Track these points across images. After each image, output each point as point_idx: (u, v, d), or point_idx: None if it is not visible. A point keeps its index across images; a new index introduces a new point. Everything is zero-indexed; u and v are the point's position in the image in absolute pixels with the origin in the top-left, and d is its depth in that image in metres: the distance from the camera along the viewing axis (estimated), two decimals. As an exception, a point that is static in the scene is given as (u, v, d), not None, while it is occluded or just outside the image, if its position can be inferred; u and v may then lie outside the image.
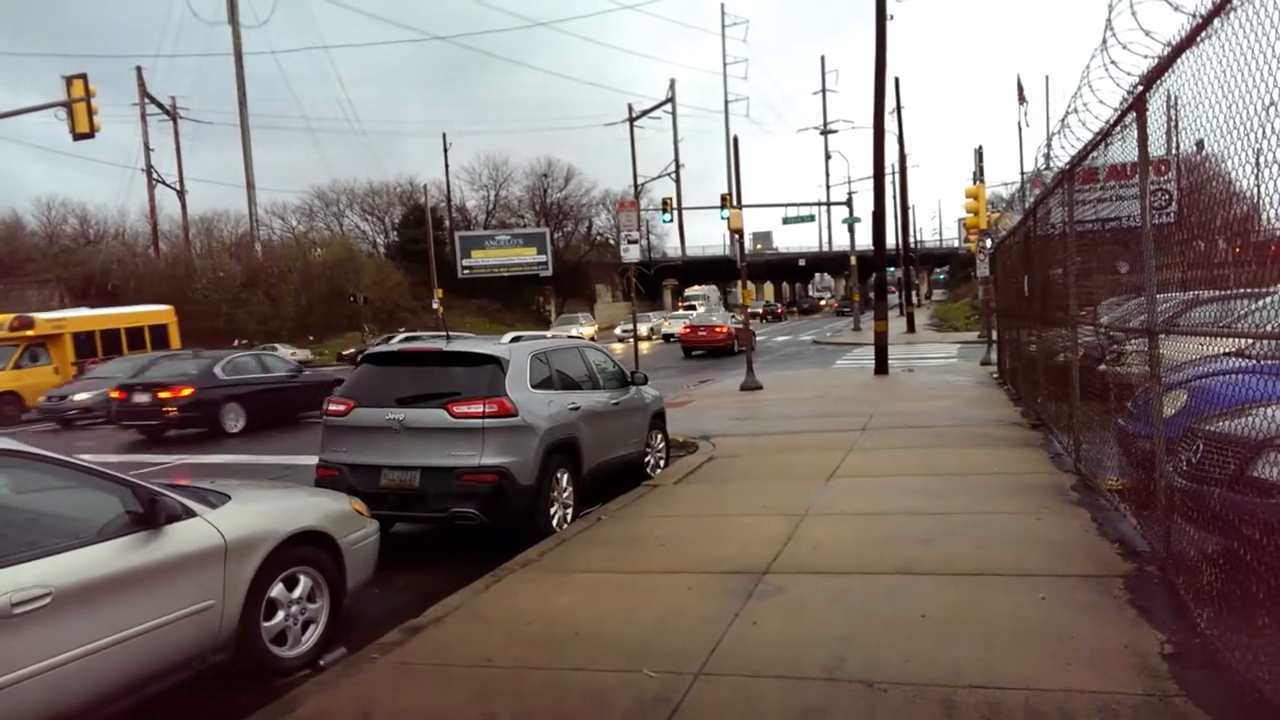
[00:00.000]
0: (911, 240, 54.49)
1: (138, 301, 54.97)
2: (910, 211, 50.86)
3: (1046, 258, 9.57)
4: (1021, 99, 49.85)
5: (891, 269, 43.93)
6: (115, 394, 16.41)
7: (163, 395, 15.68)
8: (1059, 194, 7.93)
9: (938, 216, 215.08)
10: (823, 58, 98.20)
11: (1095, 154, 6.27)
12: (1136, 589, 4.73)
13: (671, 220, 53.38)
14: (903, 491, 7.67)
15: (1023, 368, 12.87)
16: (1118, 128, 5.46)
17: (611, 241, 70.80)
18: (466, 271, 63.60)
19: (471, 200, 73.89)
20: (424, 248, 55.84)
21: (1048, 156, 8.43)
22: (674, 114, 78.07)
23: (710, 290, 73.68)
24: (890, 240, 31.70)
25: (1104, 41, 5.00)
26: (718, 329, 31.89)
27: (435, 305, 49.98)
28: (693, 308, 62.56)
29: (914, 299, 46.52)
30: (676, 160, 76.79)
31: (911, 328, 39.52)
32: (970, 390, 15.70)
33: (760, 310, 67.00)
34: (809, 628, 4.54)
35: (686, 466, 9.64)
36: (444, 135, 64.05)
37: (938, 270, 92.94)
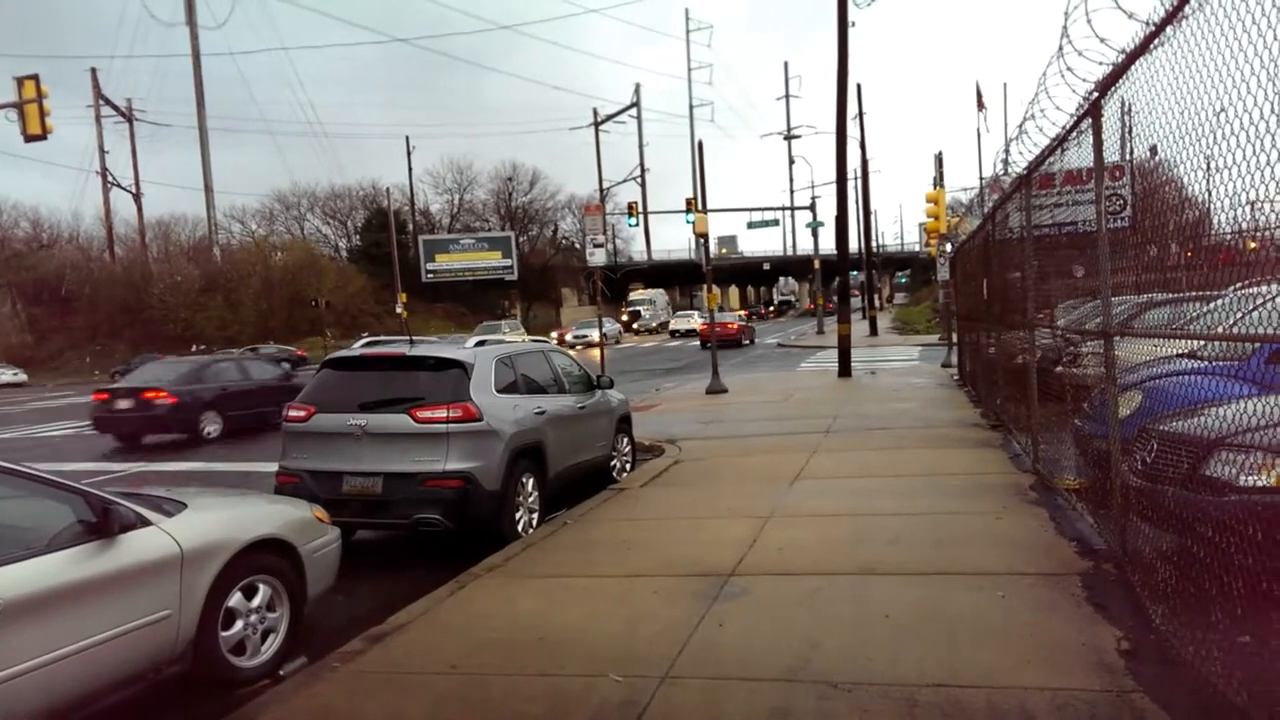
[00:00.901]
0: (874, 244, 55.25)
1: (93, 307, 53.92)
2: (873, 216, 51.60)
3: (1005, 262, 9.73)
4: (980, 105, 50.69)
5: (854, 272, 44.38)
6: (97, 397, 16.00)
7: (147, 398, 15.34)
8: (1016, 199, 8.07)
9: (899, 221, 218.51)
10: (786, 64, 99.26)
11: (1052, 159, 6.39)
12: (1094, 586, 4.81)
13: (637, 224, 53.60)
14: (866, 493, 7.73)
15: (982, 370, 13.07)
16: (1074, 134, 5.57)
17: (577, 245, 70.68)
18: (430, 275, 63.14)
19: (435, 204, 73.52)
20: (387, 251, 55.36)
21: (1006, 162, 8.58)
22: (639, 118, 78.36)
23: (658, 294, 71.12)
24: (853, 244, 32.02)
25: (1060, 49, 5.10)
26: (730, 325, 39.72)
27: (399, 309, 49.53)
28: (637, 314, 61.56)
29: (876, 302, 47.07)
30: (641, 165, 77.05)
31: (874, 331, 39.98)
32: (931, 392, 15.91)
33: (745, 313, 66.96)
34: (774, 629, 4.55)
35: (652, 470, 9.64)
36: (407, 138, 63.74)
37: (899, 274, 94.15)
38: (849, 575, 5.38)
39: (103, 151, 58.84)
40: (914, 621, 4.54)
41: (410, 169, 64.64)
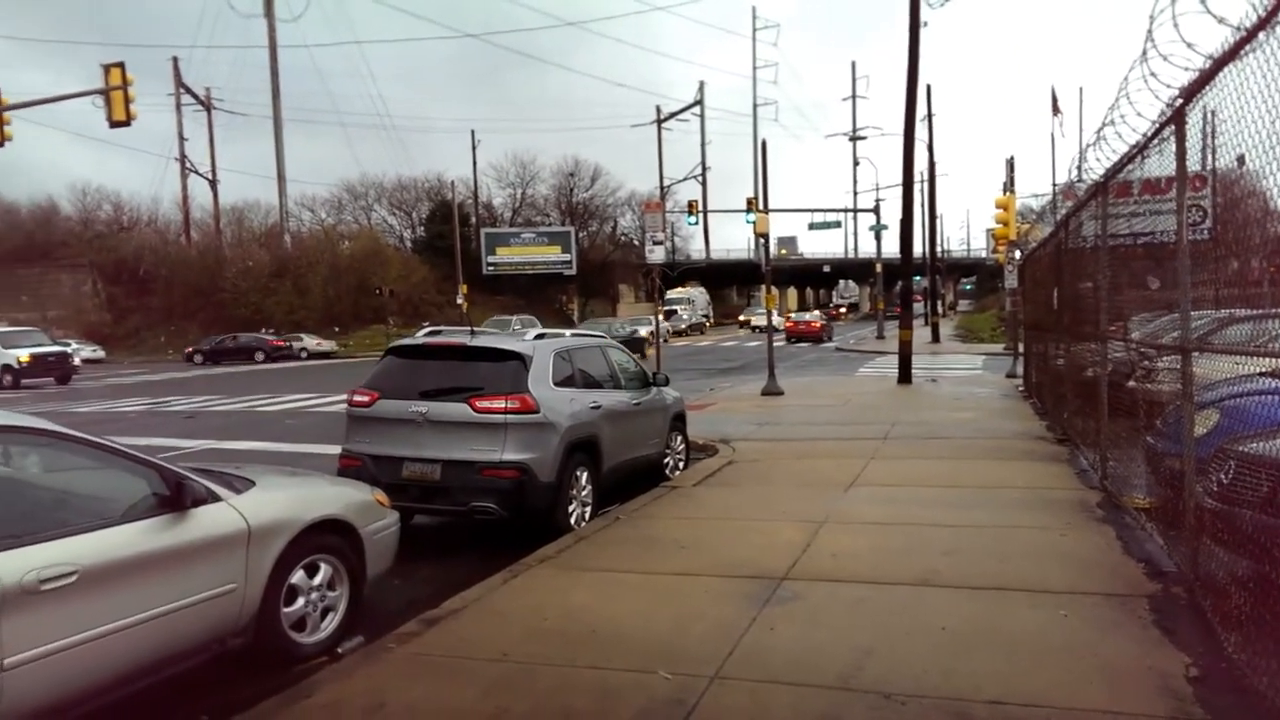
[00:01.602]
0: (939, 249, 54.13)
1: (169, 288, 55.88)
2: (938, 220, 50.48)
3: (1077, 271, 9.47)
4: (1055, 110, 49.27)
5: (917, 277, 43.61)
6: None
7: None
8: (1092, 207, 7.84)
9: (966, 226, 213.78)
10: (853, 63, 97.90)
11: (1131, 167, 6.19)
12: (1162, 610, 4.66)
13: (697, 223, 53.42)
14: (924, 502, 7.60)
15: (1049, 381, 12.73)
16: (1155, 141, 5.39)
17: (636, 242, 70.83)
18: (491, 268, 63.90)
19: (498, 198, 74.30)
20: (450, 243, 56.19)
21: (1080, 169, 8.33)
22: (702, 116, 78.15)
23: (697, 293, 67.94)
24: (917, 249, 31.48)
25: (1144, 53, 4.93)
26: (813, 324, 46.52)
27: (459, 301, 50.26)
28: (674, 313, 57.33)
29: (939, 309, 46.16)
30: (703, 163, 76.88)
31: (936, 338, 39.23)
32: (995, 402, 15.56)
33: (826, 313, 66.35)
34: (826, 636, 4.51)
35: (706, 469, 9.61)
36: (472, 132, 64.48)
37: (964, 280, 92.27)
38: (904, 585, 5.29)
39: (182, 139, 60.93)
40: (971, 635, 4.45)
41: (475, 162, 65.50)
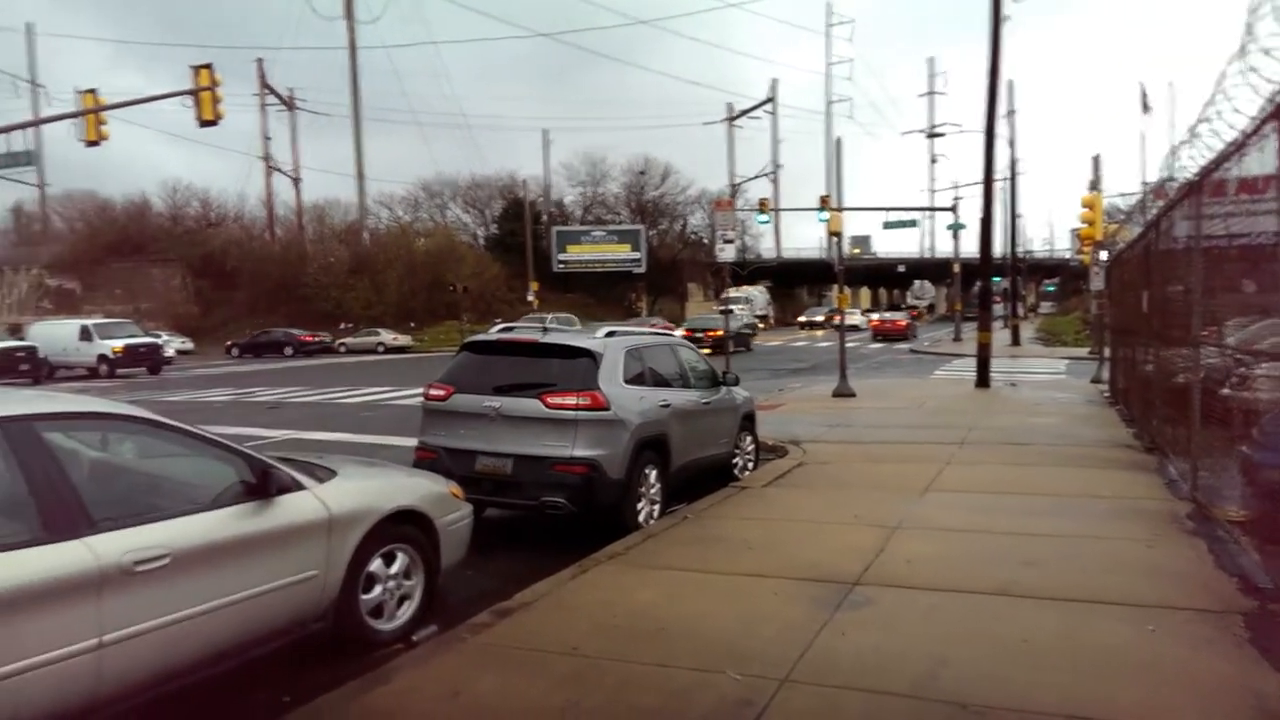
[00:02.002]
0: (1020, 249, 52.56)
1: (253, 282, 57.95)
2: (1019, 219, 49.06)
3: (1168, 273, 9.09)
4: (1145, 107, 47.36)
5: (997, 278, 42.46)
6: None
7: None
8: (1185, 207, 7.51)
9: (1049, 226, 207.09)
10: (931, 59, 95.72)
11: (1228, 165, 5.90)
12: (1258, 627, 4.44)
13: (768, 221, 52.93)
14: (1003, 510, 7.39)
15: (1137, 387, 12.24)
16: (1254, 138, 5.13)
17: (705, 240, 70.60)
18: (561, 266, 64.53)
19: (569, 196, 74.97)
20: (521, 241, 56.94)
21: (1173, 167, 7.99)
22: (774, 114, 77.46)
23: (756, 292, 65.30)
24: (997, 248, 30.63)
25: (1242, 48, 4.71)
26: (898, 322, 48.05)
27: (530, 298, 50.91)
28: (729, 311, 55.44)
29: (1020, 311, 44.83)
30: (775, 161, 76.18)
31: (1016, 340, 38.11)
32: (1078, 408, 15.03)
33: (913, 313, 66.05)
34: (900, 643, 4.42)
35: (775, 470, 9.53)
36: (544, 131, 65.43)
37: (1046, 282, 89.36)
38: (982, 594, 5.15)
39: (266, 138, 63.15)
40: (1052, 648, 4.31)
41: (546, 161, 66.37)
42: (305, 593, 4.35)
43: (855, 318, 61.67)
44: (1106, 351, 18.43)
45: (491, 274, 59.60)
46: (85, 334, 31.99)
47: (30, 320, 44.69)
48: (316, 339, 47.25)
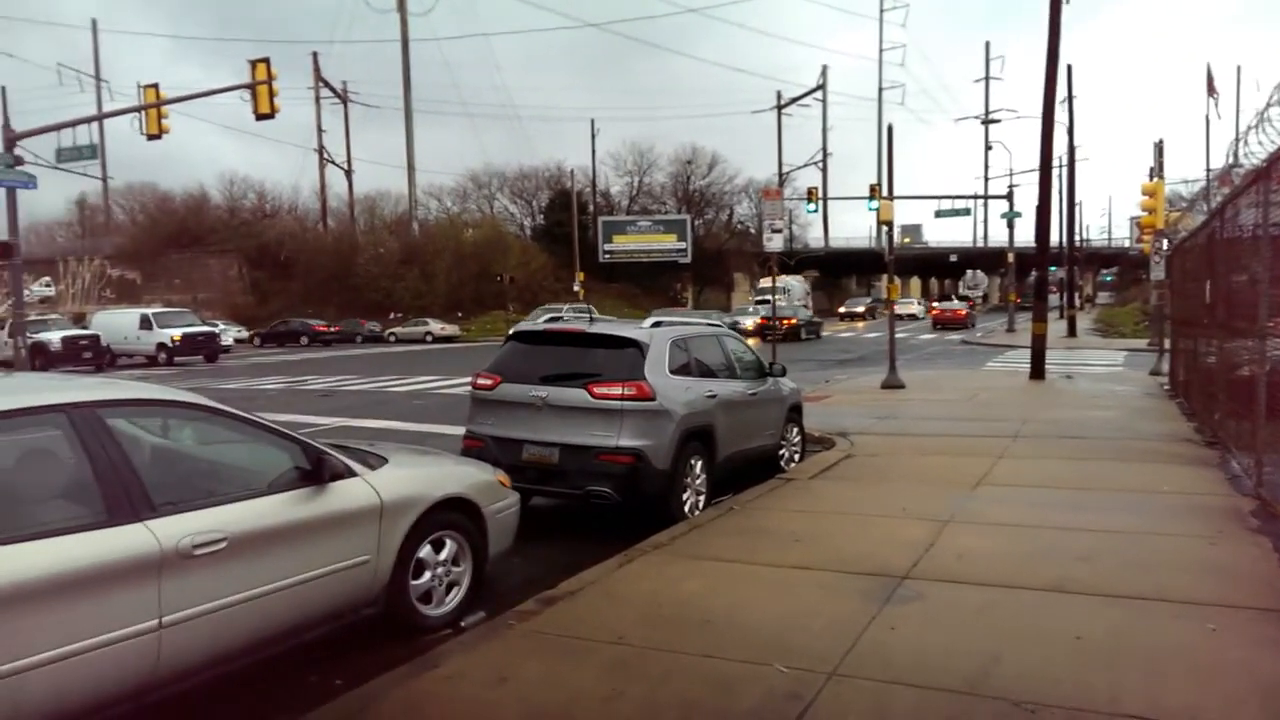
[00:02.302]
0: (1077, 238, 51.25)
1: (307, 273, 59.07)
2: (1077, 207, 47.76)
3: (1233, 262, 8.78)
4: (1211, 90, 45.73)
5: (1053, 268, 41.47)
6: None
7: None
8: (1252, 193, 7.24)
9: (1107, 214, 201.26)
10: (987, 44, 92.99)
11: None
12: (1328, 631, 4.28)
13: (816, 210, 52.36)
14: (1058, 505, 7.22)
15: (1199, 380, 11.87)
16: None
17: (752, 230, 70.05)
18: (607, 256, 64.62)
19: (616, 186, 74.95)
20: (568, 231, 57.14)
21: (1239, 153, 7.71)
22: (824, 101, 76.45)
23: (794, 282, 61.15)
24: (1053, 237, 29.89)
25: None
26: (958, 311, 49.04)
27: (576, 288, 51.07)
28: (765, 302, 49.63)
29: (1076, 301, 43.74)
30: (824, 149, 75.24)
31: (1073, 331, 37.20)
32: (1137, 401, 14.63)
33: (970, 302, 65.17)
34: (951, 638, 4.35)
35: (822, 462, 9.44)
36: (592, 121, 65.57)
37: (1104, 272, 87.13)
38: (1036, 590, 5.05)
39: (320, 130, 64.22)
40: (1108, 646, 4.20)
41: (594, 151, 66.36)
42: (357, 577, 4.43)
43: (913, 307, 64.54)
44: (1166, 343, 17.89)
45: (538, 264, 59.95)
46: (145, 323, 32.95)
47: (93, 309, 46.22)
48: (333, 329, 49.19)
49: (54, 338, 29.96)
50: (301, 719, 3.66)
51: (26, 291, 29.69)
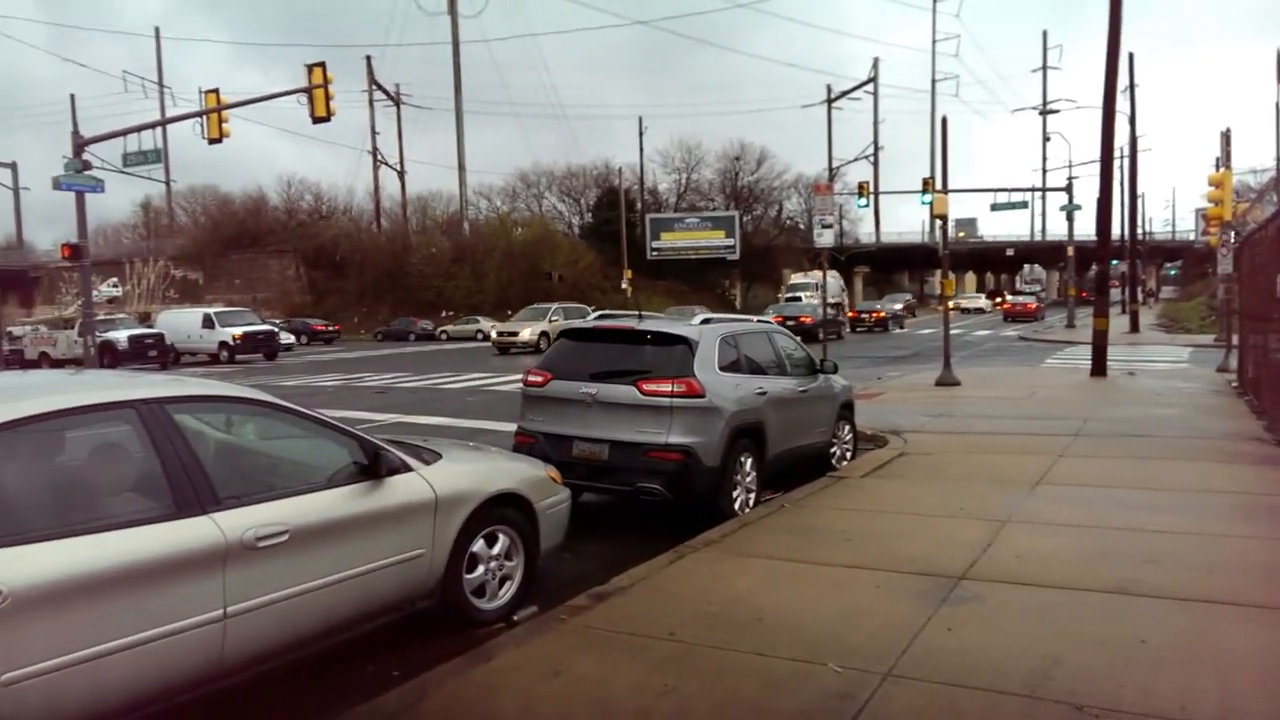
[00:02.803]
0: (1140, 231, 49.79)
1: (361, 272, 60.15)
2: (1139, 199, 46.36)
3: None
4: (1282, 75, 43.86)
5: (1114, 262, 40.33)
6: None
7: None
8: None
9: (1170, 206, 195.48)
10: (1045, 32, 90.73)
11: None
12: None
13: (867, 205, 51.64)
14: (1121, 505, 7.03)
15: (1269, 377, 11.43)
16: None
17: (801, 226, 69.41)
18: (655, 253, 64.61)
19: (663, 183, 74.95)
20: (616, 229, 57.25)
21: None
22: (875, 94, 75.45)
23: (829, 277, 60.53)
24: (1115, 230, 29.06)
25: None
26: (1029, 305, 50.96)
27: (624, 285, 51.16)
28: (797, 298, 47.12)
29: (1139, 296, 42.48)
30: (875, 142, 74.25)
31: (1135, 327, 36.13)
32: (1204, 399, 14.16)
33: (1038, 295, 65.67)
34: (1010, 641, 4.26)
35: (874, 460, 9.32)
36: (639, 119, 65.42)
37: (1168, 265, 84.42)
38: (1098, 593, 4.92)
39: (374, 133, 65.33)
40: (1175, 650, 4.08)
41: (641, 149, 66.39)
42: (413, 571, 4.50)
43: (980, 300, 68.52)
44: (1234, 339, 17.28)
45: (586, 262, 60.18)
46: (208, 322, 33.91)
47: (158, 309, 47.71)
48: (329, 328, 51.36)
49: (121, 337, 30.99)
50: (361, 708, 3.73)
51: (95, 292, 30.78)
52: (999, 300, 67.88)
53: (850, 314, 45.54)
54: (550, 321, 33.17)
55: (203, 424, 4.18)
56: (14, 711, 2.97)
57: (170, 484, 3.61)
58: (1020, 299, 56.22)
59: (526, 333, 33.58)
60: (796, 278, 57.27)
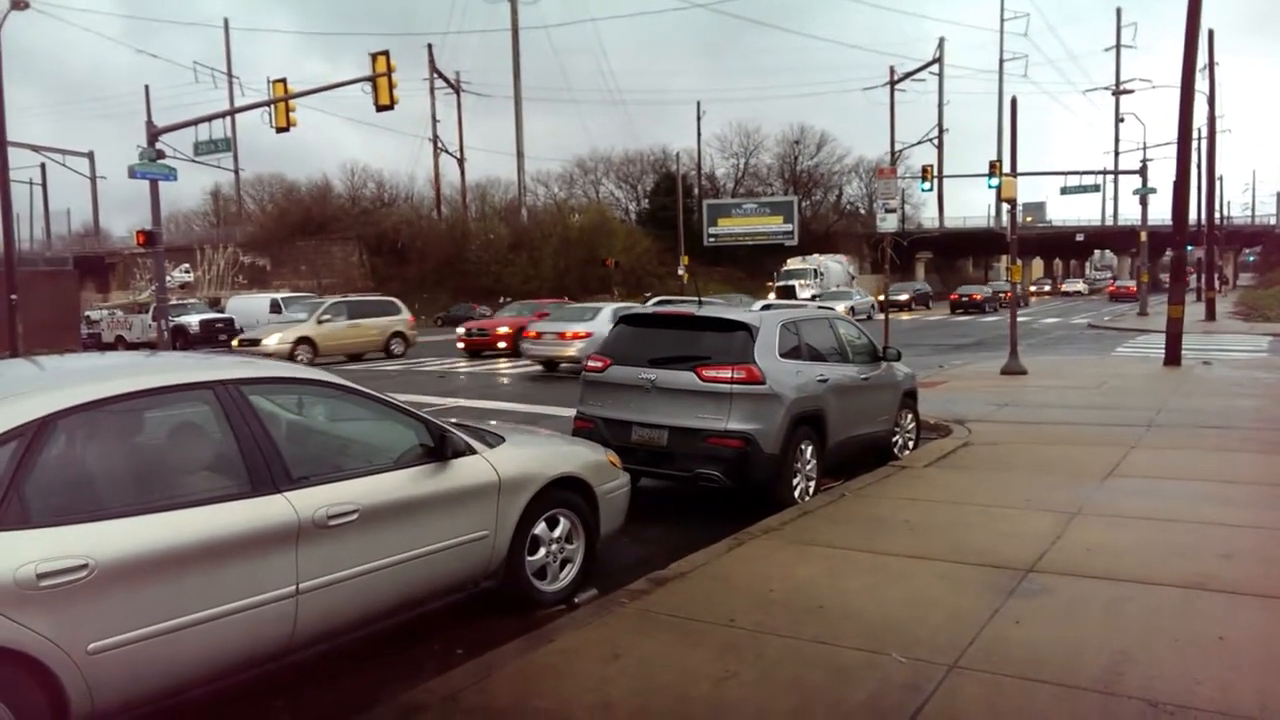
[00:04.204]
0: (1217, 215, 47.89)
1: (422, 259, 61.09)
2: (1217, 183, 44.56)
3: None
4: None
5: (1189, 247, 38.84)
6: None
7: None
8: None
9: (1250, 190, 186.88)
10: (1118, 10, 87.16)
11: None
12: None
13: (931, 189, 50.51)
14: (1196, 498, 6.79)
15: (1360, 368, 10.92)
16: None
17: (862, 210, 68.36)
18: (712, 239, 64.26)
19: (721, 168, 74.44)
20: (673, 215, 57.01)
21: None
22: (940, 75, 73.53)
23: (831, 261, 50.76)
24: (1191, 214, 27.97)
25: None
26: (1131, 288, 53.47)
27: (681, 272, 51.01)
28: (790, 290, 41.40)
29: (1215, 283, 40.87)
30: (940, 125, 72.43)
31: (1211, 315, 34.79)
32: (1284, 390, 13.57)
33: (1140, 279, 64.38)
34: (1080, 635, 4.15)
35: (938, 450, 9.15)
36: (698, 104, 65.20)
37: (1246, 251, 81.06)
38: (1172, 588, 4.76)
39: (435, 120, 66.08)
40: (1256, 648, 3.94)
41: (699, 133, 66.04)
42: (477, 551, 4.58)
43: (1079, 284, 78.83)
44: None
45: (642, 248, 60.14)
46: (275, 307, 34.79)
47: (227, 294, 49.14)
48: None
49: (193, 321, 32.05)
50: (429, 684, 3.81)
51: (168, 278, 31.81)
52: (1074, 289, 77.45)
53: (952, 296, 49.63)
54: (320, 323, 24.13)
55: (276, 405, 4.29)
56: (99, 679, 3.10)
57: (246, 463, 3.72)
58: (1125, 283, 63.08)
59: (273, 341, 22.66)
60: (793, 263, 49.55)
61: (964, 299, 49.24)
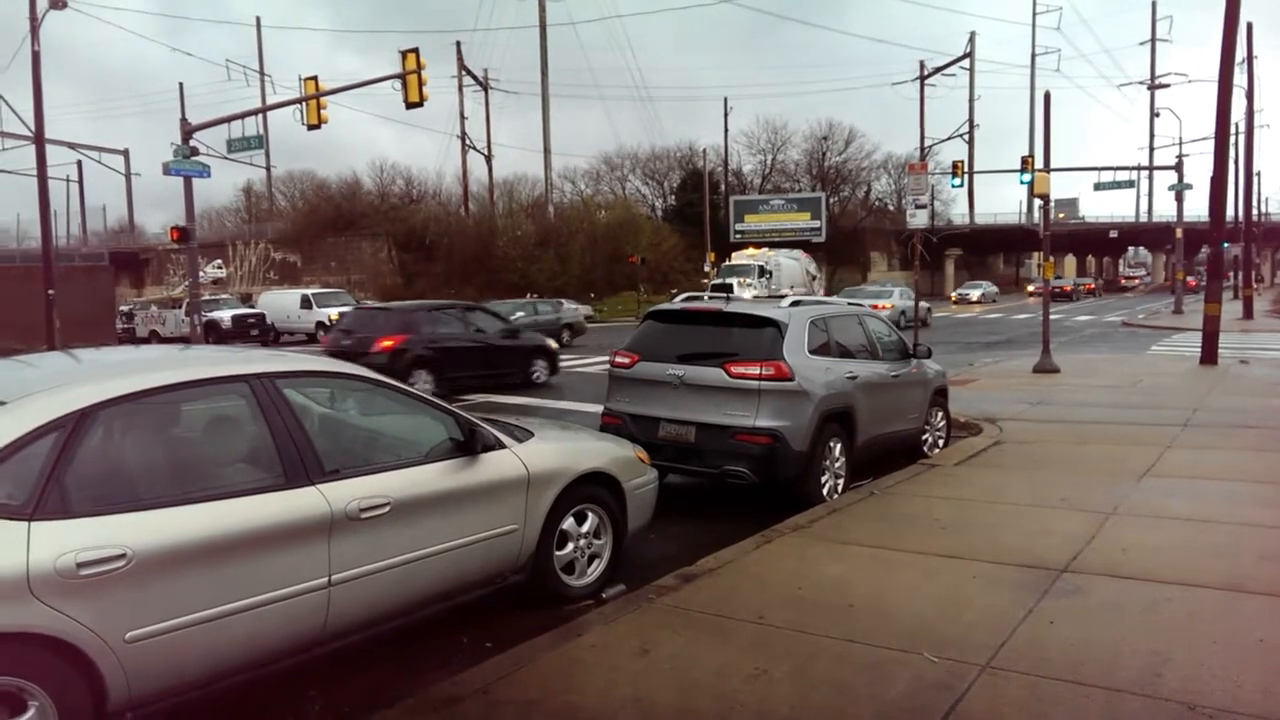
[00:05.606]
0: (1255, 212, 46.91)
1: (449, 255, 61.46)
2: (1255, 178, 43.63)
3: None
4: None
5: (1226, 244, 38.07)
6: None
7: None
8: None
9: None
10: (1153, 2, 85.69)
11: None
12: None
13: (961, 185, 49.92)
14: (1235, 498, 6.66)
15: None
16: None
17: (890, 207, 67.76)
18: (739, 236, 63.97)
19: (748, 164, 74.10)
20: (699, 211, 56.92)
21: None
22: (971, 70, 72.66)
23: (780, 258, 42.42)
24: (1229, 211, 27.40)
25: None
26: (1190, 282, 53.65)
27: (707, 268, 50.89)
28: (727, 289, 34.11)
29: (1253, 280, 40.08)
30: (970, 120, 71.57)
31: (1249, 313, 34.11)
32: (1326, 390, 13.27)
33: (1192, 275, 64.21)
34: (1116, 636, 4.09)
35: (969, 448, 9.05)
36: (725, 100, 64.71)
37: (1285, 248, 79.21)
38: (1210, 589, 4.68)
39: (463, 118, 66.41)
40: (1299, 654, 3.85)
41: (726, 130, 65.57)
42: (506, 545, 4.59)
43: (1136, 280, 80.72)
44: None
45: (669, 245, 60.07)
46: (306, 303, 35.19)
47: (259, 290, 49.75)
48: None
49: (225, 316, 32.48)
50: (461, 676, 3.83)
51: (201, 273, 32.23)
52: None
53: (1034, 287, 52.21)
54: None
55: (309, 399, 4.33)
56: (136, 667, 3.14)
57: (280, 456, 3.76)
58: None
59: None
60: (738, 257, 42.44)
61: (1053, 291, 50.29)
